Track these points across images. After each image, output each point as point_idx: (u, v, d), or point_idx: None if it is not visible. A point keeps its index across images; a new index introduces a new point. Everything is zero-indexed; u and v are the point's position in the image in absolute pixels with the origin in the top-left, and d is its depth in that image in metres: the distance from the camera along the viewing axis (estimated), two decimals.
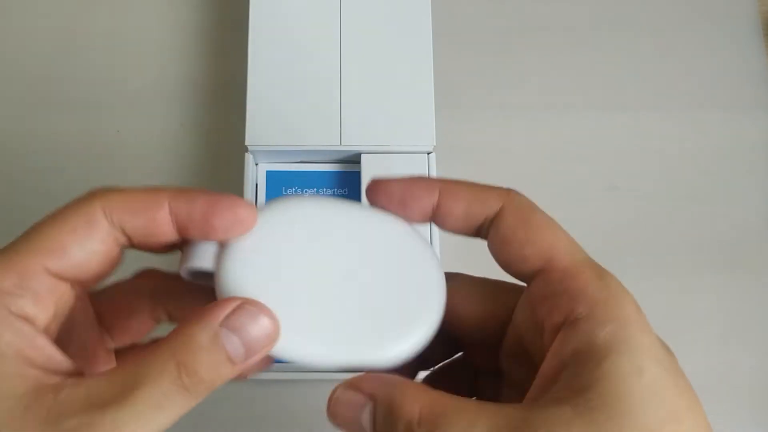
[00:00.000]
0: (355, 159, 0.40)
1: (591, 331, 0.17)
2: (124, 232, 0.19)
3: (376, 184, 0.21)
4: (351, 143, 0.39)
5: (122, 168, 0.44)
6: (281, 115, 0.39)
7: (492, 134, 0.46)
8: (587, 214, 0.45)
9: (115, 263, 0.20)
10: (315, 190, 0.41)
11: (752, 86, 0.48)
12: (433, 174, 0.39)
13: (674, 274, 0.44)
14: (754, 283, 0.44)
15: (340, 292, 0.20)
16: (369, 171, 0.39)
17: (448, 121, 0.45)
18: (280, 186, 0.41)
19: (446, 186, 0.20)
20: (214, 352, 0.17)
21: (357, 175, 0.40)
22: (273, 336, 0.18)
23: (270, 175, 0.41)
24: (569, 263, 0.19)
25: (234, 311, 0.18)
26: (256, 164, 0.41)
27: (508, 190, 0.20)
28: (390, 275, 0.20)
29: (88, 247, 0.19)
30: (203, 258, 0.20)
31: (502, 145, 0.46)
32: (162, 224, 0.19)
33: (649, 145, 0.47)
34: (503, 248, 0.20)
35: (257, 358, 0.18)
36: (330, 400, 0.18)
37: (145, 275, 0.23)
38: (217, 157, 0.45)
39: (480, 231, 0.21)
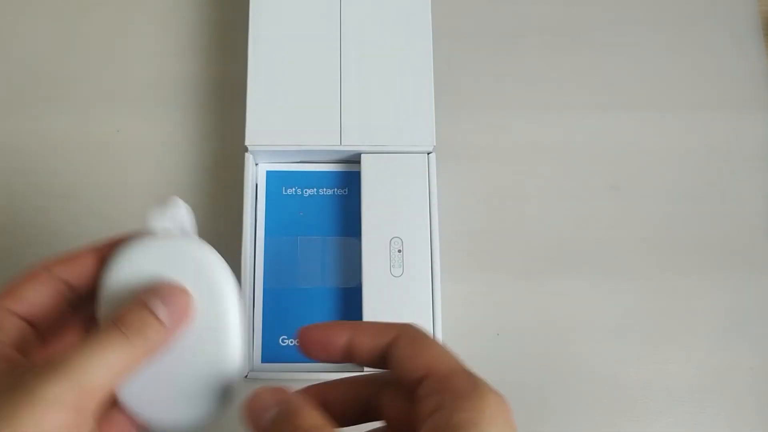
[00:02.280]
0: (355, 159, 0.40)
1: (449, 416, 0.21)
2: (66, 282, 0.25)
3: (302, 333, 0.25)
4: (351, 143, 0.39)
5: (122, 168, 0.44)
6: (281, 115, 0.39)
7: (492, 134, 0.46)
8: (588, 214, 0.45)
9: (62, 309, 0.25)
10: (315, 190, 0.41)
11: (752, 86, 0.48)
12: (433, 174, 0.39)
13: (675, 274, 0.44)
14: (755, 282, 0.44)
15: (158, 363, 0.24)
16: (369, 171, 0.39)
17: (448, 121, 0.45)
18: (280, 186, 0.41)
19: (355, 326, 0.25)
20: (141, 309, 0.23)
21: (357, 175, 0.40)
22: (185, 297, 0.24)
23: (270, 175, 0.41)
24: (446, 370, 0.23)
25: (154, 286, 0.24)
26: (256, 164, 0.41)
27: (405, 324, 0.24)
28: (196, 349, 0.25)
29: (38, 290, 0.25)
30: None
31: (502, 145, 0.46)
32: (89, 267, 0.25)
33: (649, 145, 0.47)
34: (397, 364, 0.24)
35: (179, 317, 0.24)
36: (248, 398, 0.23)
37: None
38: (217, 157, 0.45)
39: (385, 361, 0.24)
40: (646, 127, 0.47)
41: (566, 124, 0.47)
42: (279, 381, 0.40)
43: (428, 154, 0.40)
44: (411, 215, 0.39)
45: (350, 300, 0.39)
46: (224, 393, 0.25)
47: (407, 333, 0.24)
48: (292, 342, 0.39)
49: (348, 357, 0.25)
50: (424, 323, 0.37)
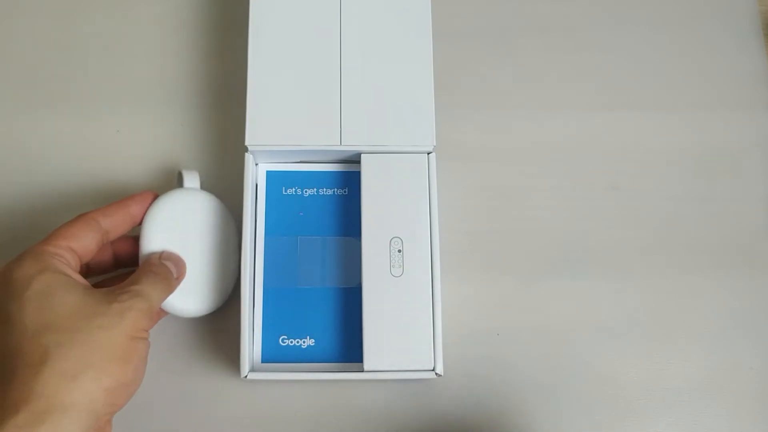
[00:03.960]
0: (355, 159, 0.40)
1: None
2: (106, 232, 0.35)
3: None
4: (351, 143, 0.39)
5: (122, 168, 0.44)
6: (281, 115, 0.39)
7: (492, 134, 0.46)
8: (588, 214, 0.45)
9: (99, 249, 0.35)
10: (315, 190, 0.41)
11: (752, 86, 0.48)
12: (433, 174, 0.39)
13: (674, 274, 0.44)
14: (755, 282, 0.44)
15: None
16: (369, 171, 0.39)
17: (448, 121, 0.45)
18: (280, 186, 0.41)
19: None
20: (161, 265, 0.36)
21: (357, 175, 0.40)
22: (182, 262, 0.37)
23: (270, 175, 0.41)
24: None
25: (164, 252, 0.37)
26: (256, 164, 0.41)
27: None
28: (204, 255, 0.39)
29: (90, 236, 0.34)
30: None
31: (502, 145, 0.46)
32: (123, 220, 0.36)
33: (649, 145, 0.47)
34: None
35: (182, 272, 0.37)
36: None
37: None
38: (217, 157, 0.45)
39: None
40: (646, 127, 0.47)
41: (566, 124, 0.47)
42: (280, 381, 0.40)
43: (428, 154, 0.40)
44: (411, 215, 0.39)
45: (350, 300, 0.39)
46: (220, 296, 0.39)
47: None
48: (292, 342, 0.39)
49: None
50: (424, 323, 0.37)
